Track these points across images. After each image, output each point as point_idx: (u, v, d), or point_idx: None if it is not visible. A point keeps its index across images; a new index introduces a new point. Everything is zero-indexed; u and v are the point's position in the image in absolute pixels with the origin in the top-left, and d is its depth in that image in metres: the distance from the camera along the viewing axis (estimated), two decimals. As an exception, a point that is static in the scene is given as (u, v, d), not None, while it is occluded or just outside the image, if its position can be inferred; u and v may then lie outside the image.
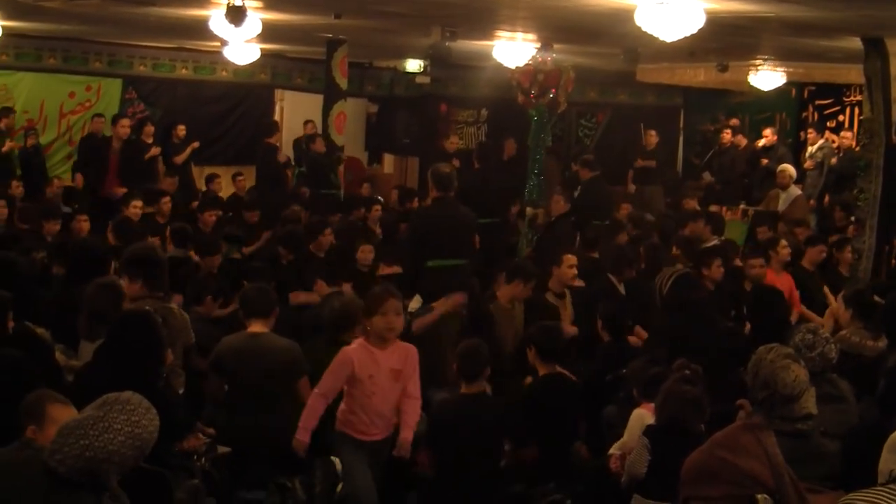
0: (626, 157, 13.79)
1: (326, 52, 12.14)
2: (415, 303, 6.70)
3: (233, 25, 8.00)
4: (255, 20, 8.44)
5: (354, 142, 15.40)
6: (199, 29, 9.89)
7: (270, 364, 5.13)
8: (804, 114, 13.84)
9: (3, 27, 11.16)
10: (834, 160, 11.99)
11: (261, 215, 9.77)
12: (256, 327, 5.23)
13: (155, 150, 12.26)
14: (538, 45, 10.23)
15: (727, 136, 13.31)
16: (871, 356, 5.10)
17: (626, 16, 7.27)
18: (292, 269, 7.47)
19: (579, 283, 7.15)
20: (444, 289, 6.38)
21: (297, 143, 13.37)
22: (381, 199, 11.71)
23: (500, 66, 11.16)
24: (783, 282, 7.36)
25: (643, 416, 4.72)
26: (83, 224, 8.43)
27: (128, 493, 2.91)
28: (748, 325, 6.37)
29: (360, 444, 4.66)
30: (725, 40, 9.50)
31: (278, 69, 14.88)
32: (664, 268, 7.05)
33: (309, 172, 12.24)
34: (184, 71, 14.23)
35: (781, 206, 11.16)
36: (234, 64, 12.61)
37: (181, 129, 12.82)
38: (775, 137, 13.02)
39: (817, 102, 13.62)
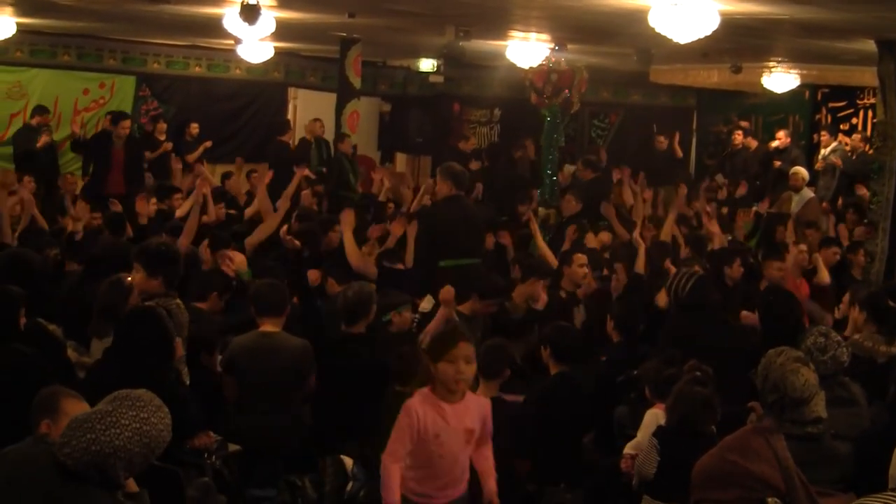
0: (639, 158, 13.76)
1: (340, 51, 12.16)
2: (426, 303, 6.69)
3: (247, 23, 8.03)
4: (268, 18, 8.47)
5: (367, 141, 15.41)
6: (213, 27, 9.92)
7: (282, 363, 5.15)
8: (817, 116, 13.79)
9: (18, 24, 11.22)
10: (839, 162, 11.94)
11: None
12: (268, 326, 5.24)
13: (167, 146, 12.32)
14: (552, 45, 10.23)
15: (738, 137, 13.28)
16: (882, 360, 5.08)
17: (639, 16, 7.26)
18: (308, 265, 7.47)
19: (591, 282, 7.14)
20: (458, 288, 6.36)
21: (304, 142, 13.37)
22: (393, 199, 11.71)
23: (513, 65, 11.16)
24: (800, 286, 7.33)
25: (658, 415, 4.71)
26: (97, 222, 8.47)
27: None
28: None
29: None
30: (739, 42, 9.47)
31: (292, 67, 14.90)
32: (677, 268, 7.05)
33: (331, 171, 12.26)
34: (197, 69, 14.28)
35: (794, 208, 11.13)
36: (247, 62, 12.63)
37: (194, 127, 12.88)
38: (788, 139, 12.99)
39: (831, 105, 13.57)
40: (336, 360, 5.35)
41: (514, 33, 10.43)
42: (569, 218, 9.20)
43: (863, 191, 11.13)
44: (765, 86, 12.25)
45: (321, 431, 5.35)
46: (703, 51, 10.31)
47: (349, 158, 12.18)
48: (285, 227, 7.57)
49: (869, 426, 4.17)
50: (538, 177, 11.31)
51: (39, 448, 2.77)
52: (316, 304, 6.34)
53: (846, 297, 6.51)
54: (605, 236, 8.66)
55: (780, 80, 12.07)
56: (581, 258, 6.99)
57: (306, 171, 10.72)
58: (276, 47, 11.93)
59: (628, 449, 4.71)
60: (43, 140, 11.64)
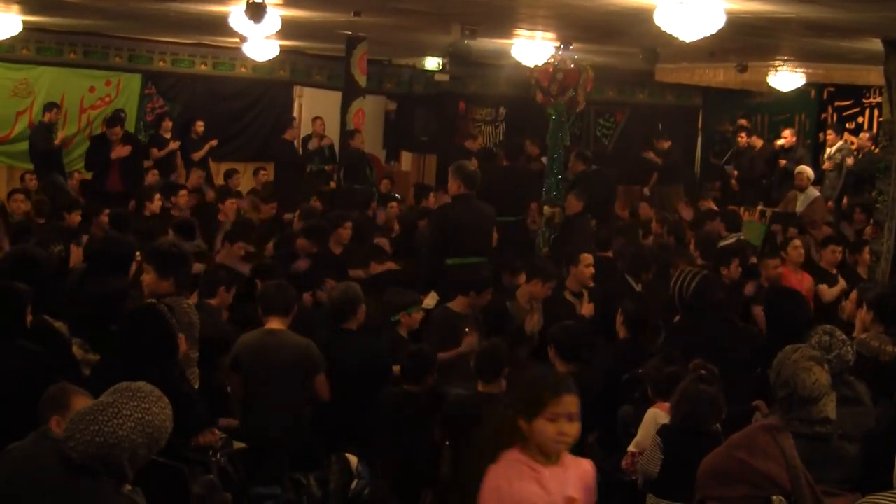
0: (644, 157, 13.75)
1: (346, 50, 12.16)
2: (430, 300, 6.71)
3: (252, 22, 8.03)
4: (274, 17, 8.47)
5: (373, 139, 15.42)
6: (219, 25, 9.93)
7: (286, 361, 5.16)
8: (823, 115, 13.76)
9: (25, 22, 11.24)
10: (850, 160, 11.92)
11: (279, 210, 9.82)
12: (274, 324, 5.25)
13: (174, 144, 12.34)
14: (557, 43, 10.22)
15: (743, 137, 13.27)
16: (888, 360, 5.06)
17: (645, 15, 7.25)
18: (317, 263, 7.51)
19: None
20: (463, 286, 6.37)
21: (307, 141, 13.39)
22: (399, 196, 11.73)
23: (519, 64, 11.16)
24: (802, 281, 7.34)
25: (657, 415, 4.71)
26: (104, 218, 8.49)
27: (145, 488, 2.93)
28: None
29: None
30: (745, 41, 9.46)
31: (297, 66, 14.91)
32: (680, 267, 7.04)
33: (346, 168, 12.28)
34: (203, 67, 14.29)
35: (800, 207, 11.11)
36: (253, 60, 12.65)
37: (199, 125, 12.90)
38: (794, 138, 12.97)
39: (837, 104, 13.54)
40: (330, 356, 5.37)
41: (519, 32, 10.42)
42: (572, 216, 9.20)
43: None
44: (771, 85, 12.22)
45: (324, 429, 5.36)
46: (709, 50, 10.29)
47: (363, 153, 12.21)
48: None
49: (874, 425, 4.16)
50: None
51: (42, 444, 2.78)
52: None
53: (853, 296, 6.50)
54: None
55: (786, 78, 12.04)
56: (587, 258, 6.99)
57: None
58: (281, 46, 11.94)
59: (631, 447, 4.71)
60: (61, 137, 11.72)
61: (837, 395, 3.79)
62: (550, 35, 10.31)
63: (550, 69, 9.89)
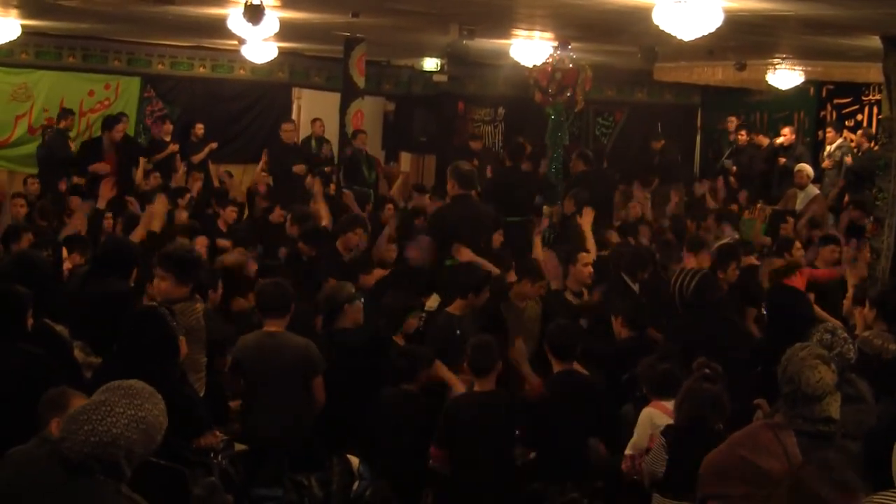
0: (642, 157, 13.75)
1: (344, 51, 12.16)
2: (432, 301, 6.71)
3: (251, 24, 8.04)
4: (272, 19, 8.47)
5: (372, 140, 15.40)
6: (218, 27, 9.93)
7: (286, 362, 5.16)
8: (823, 113, 13.76)
9: (24, 26, 11.24)
10: (849, 159, 11.92)
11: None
12: (272, 325, 5.25)
13: (173, 147, 12.35)
14: (556, 43, 10.22)
15: (743, 135, 13.27)
16: (889, 358, 5.06)
17: (644, 14, 7.25)
18: (315, 265, 7.50)
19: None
20: (462, 287, 6.37)
21: (307, 142, 13.38)
22: (396, 198, 11.71)
23: (517, 64, 11.15)
24: (800, 281, 7.32)
25: (652, 414, 4.72)
26: (108, 221, 8.49)
27: (146, 489, 2.92)
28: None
29: None
30: (744, 39, 9.46)
31: (296, 67, 14.92)
32: (678, 266, 7.04)
33: (345, 169, 12.29)
34: (202, 69, 14.29)
35: (799, 205, 11.11)
36: (251, 62, 12.65)
37: (199, 128, 12.91)
38: (794, 136, 12.96)
39: (836, 101, 13.54)
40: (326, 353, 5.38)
41: (518, 32, 10.42)
42: (570, 216, 9.20)
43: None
44: (769, 83, 12.22)
45: (325, 430, 5.36)
46: (708, 48, 10.29)
47: (363, 153, 12.21)
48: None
49: (876, 423, 4.16)
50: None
51: (43, 448, 2.77)
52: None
53: (850, 295, 6.50)
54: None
55: (785, 76, 12.04)
56: (586, 257, 6.98)
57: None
58: (280, 47, 11.93)
59: (627, 450, 4.71)
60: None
61: (840, 394, 3.79)
62: (549, 35, 10.31)
63: (549, 69, 9.90)
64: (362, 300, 5.92)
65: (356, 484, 4.98)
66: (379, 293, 6.46)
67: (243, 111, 14.66)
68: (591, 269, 6.91)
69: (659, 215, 9.87)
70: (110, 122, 11.75)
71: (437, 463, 4.92)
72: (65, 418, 2.69)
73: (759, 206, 11.97)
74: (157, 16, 10.12)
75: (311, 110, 14.61)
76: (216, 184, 12.28)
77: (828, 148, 12.54)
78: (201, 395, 4.88)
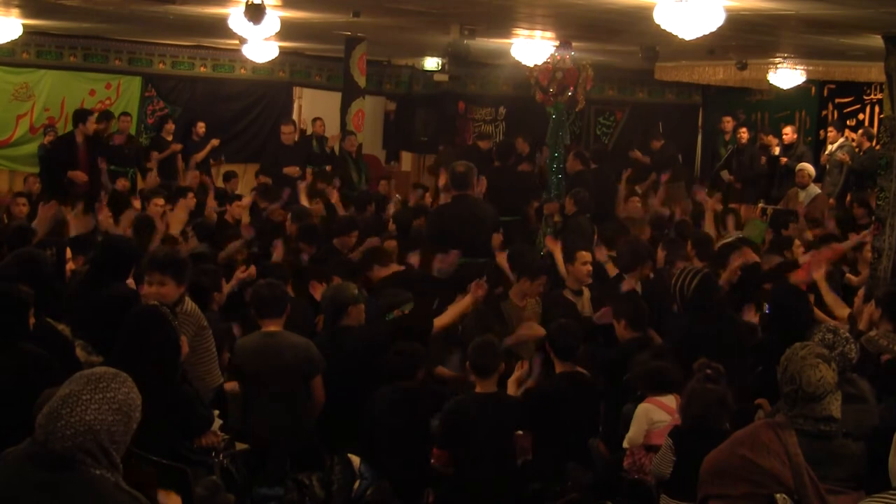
0: (644, 155, 13.73)
1: (345, 50, 12.17)
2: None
3: (252, 23, 8.04)
4: (273, 18, 8.47)
5: (372, 139, 15.43)
6: (219, 27, 9.94)
7: (286, 362, 5.16)
8: (824, 112, 13.75)
9: (25, 25, 11.25)
10: (847, 158, 11.89)
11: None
12: (270, 326, 5.26)
13: (175, 147, 12.35)
14: (557, 43, 10.22)
15: (744, 134, 13.26)
16: (892, 358, 5.05)
17: (645, 13, 7.25)
18: (314, 263, 7.50)
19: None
20: (461, 286, 6.38)
21: (307, 141, 13.37)
22: (399, 197, 11.72)
23: (518, 64, 11.15)
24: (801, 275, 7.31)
25: (648, 409, 4.72)
26: (108, 220, 8.47)
27: (149, 488, 2.92)
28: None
29: None
30: (745, 38, 9.46)
31: (297, 67, 14.92)
32: (680, 265, 7.03)
33: (334, 169, 12.28)
34: (203, 69, 14.30)
35: (801, 204, 11.10)
36: (252, 62, 12.66)
37: (201, 127, 12.91)
38: (795, 136, 12.96)
39: (837, 101, 13.53)
40: (327, 353, 5.37)
41: (518, 31, 10.42)
42: (571, 215, 9.19)
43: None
44: (771, 82, 12.22)
45: (326, 429, 5.36)
46: (709, 47, 10.30)
47: (353, 156, 12.18)
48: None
49: (878, 423, 4.16)
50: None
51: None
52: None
53: (860, 293, 6.49)
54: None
55: (787, 76, 12.04)
56: (585, 256, 6.97)
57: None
58: (281, 47, 11.93)
59: (625, 443, 4.71)
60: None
61: (841, 393, 3.79)
62: (549, 34, 10.32)
63: (550, 68, 9.88)
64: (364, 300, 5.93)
65: (357, 483, 4.98)
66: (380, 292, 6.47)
67: (244, 111, 14.66)
68: (589, 267, 6.91)
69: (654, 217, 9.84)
70: (82, 114, 11.71)
71: (439, 463, 4.92)
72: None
73: (760, 205, 11.98)
74: (159, 15, 10.13)
75: (312, 110, 14.62)
76: (217, 183, 12.27)
77: (829, 147, 12.53)
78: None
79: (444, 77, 15.00)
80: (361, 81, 12.26)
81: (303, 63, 14.94)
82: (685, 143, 15.00)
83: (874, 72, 11.11)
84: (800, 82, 12.27)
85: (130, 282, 5.33)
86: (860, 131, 12.25)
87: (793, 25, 8.51)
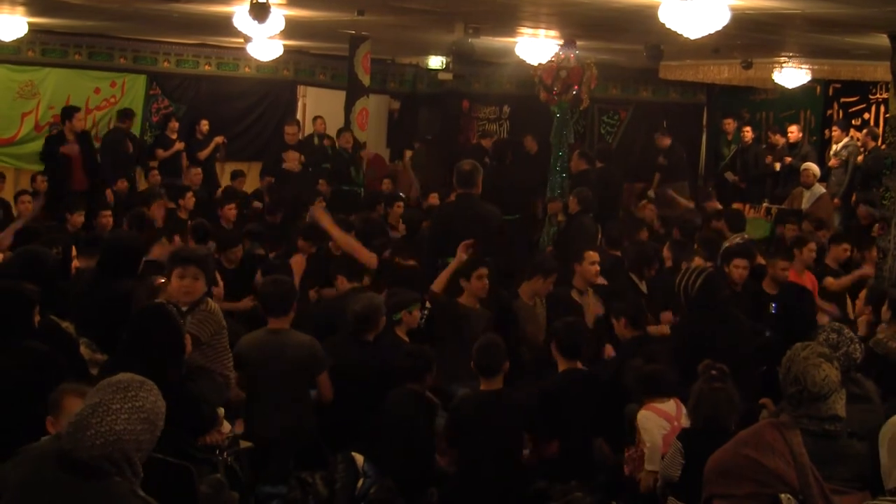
0: (649, 155, 13.72)
1: (349, 49, 12.16)
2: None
3: (256, 22, 8.04)
4: (278, 17, 8.47)
5: (377, 138, 15.42)
6: (223, 25, 9.95)
7: (290, 360, 5.16)
8: (829, 112, 13.72)
9: (30, 23, 11.26)
10: (860, 158, 11.88)
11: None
12: (276, 323, 5.26)
13: (179, 145, 12.36)
14: (561, 41, 10.21)
15: (748, 133, 13.25)
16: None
17: (649, 12, 7.24)
18: (314, 263, 7.50)
19: (601, 280, 7.14)
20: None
21: (309, 140, 13.38)
22: (403, 196, 11.72)
23: (522, 62, 11.14)
24: (806, 282, 7.31)
25: (647, 416, 4.69)
26: (108, 219, 8.49)
27: (152, 486, 2.93)
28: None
29: None
30: (750, 37, 9.44)
31: (301, 65, 14.91)
32: (685, 265, 7.03)
33: (332, 168, 12.28)
34: (207, 67, 14.30)
35: (805, 204, 11.08)
36: (257, 60, 12.66)
37: (205, 125, 12.92)
38: (800, 135, 12.93)
39: (843, 100, 13.49)
40: (346, 361, 5.37)
41: (523, 30, 10.41)
42: (574, 214, 9.19)
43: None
44: (776, 81, 12.20)
45: (331, 429, 5.36)
46: (714, 46, 10.28)
47: (348, 153, 12.14)
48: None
49: (883, 423, 4.15)
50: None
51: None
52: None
53: (862, 294, 6.48)
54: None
55: (792, 75, 12.02)
56: (592, 255, 6.98)
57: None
58: (285, 45, 11.93)
59: (648, 465, 4.65)
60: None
61: (845, 392, 3.78)
62: (554, 33, 10.31)
63: (554, 67, 9.89)
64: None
65: (361, 482, 4.98)
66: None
67: (248, 109, 14.65)
68: (597, 267, 6.91)
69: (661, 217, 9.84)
70: (69, 111, 11.71)
71: (444, 462, 4.92)
72: (66, 426, 2.68)
73: (764, 205, 11.96)
74: (163, 14, 10.14)
75: (317, 108, 14.62)
76: (225, 182, 12.31)
77: (834, 147, 12.50)
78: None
79: (448, 76, 14.99)
80: (366, 80, 12.26)
81: (307, 61, 14.93)
82: (689, 143, 14.98)
83: (880, 71, 11.08)
84: (805, 81, 12.25)
85: (159, 279, 5.31)
86: (865, 131, 12.22)
87: (798, 24, 8.49)
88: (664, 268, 7.47)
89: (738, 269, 6.93)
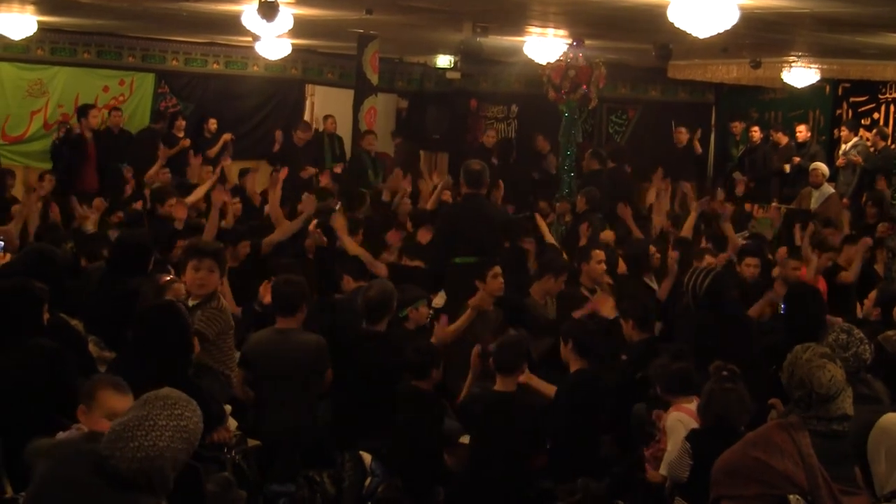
0: (657, 154, 13.69)
1: (358, 48, 12.16)
2: (439, 299, 6.72)
3: (265, 21, 8.05)
4: (286, 15, 8.48)
5: (384, 137, 15.41)
6: (232, 24, 9.96)
7: (297, 359, 5.17)
8: (838, 111, 13.67)
9: (39, 22, 11.29)
10: (860, 159, 11.82)
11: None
12: (284, 322, 5.26)
13: (185, 143, 12.38)
14: (569, 40, 10.20)
15: (756, 133, 13.22)
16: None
17: (658, 11, 7.23)
18: (322, 261, 7.50)
19: (607, 279, 7.13)
20: (470, 285, 6.37)
21: (318, 136, 13.39)
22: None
23: (531, 61, 11.13)
24: (816, 282, 7.29)
25: (680, 418, 4.67)
26: (117, 217, 8.50)
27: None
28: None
29: None
30: (759, 36, 9.42)
31: (309, 64, 14.92)
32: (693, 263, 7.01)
33: (350, 168, 12.29)
34: (216, 66, 14.32)
35: (814, 204, 11.05)
36: (265, 59, 12.68)
37: (213, 123, 12.93)
38: (809, 134, 12.89)
39: (852, 99, 13.44)
40: (358, 356, 5.37)
41: (531, 29, 10.40)
42: (582, 214, 9.19)
43: (882, 185, 11.04)
44: (785, 81, 12.16)
45: (340, 427, 5.36)
46: (723, 46, 10.26)
47: (370, 155, 12.20)
48: (314, 222, 7.65)
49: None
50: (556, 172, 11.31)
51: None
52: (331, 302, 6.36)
53: (872, 295, 6.46)
54: (609, 234, 8.59)
55: (801, 74, 11.98)
56: (599, 254, 6.98)
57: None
58: (293, 44, 11.94)
59: (663, 470, 4.63)
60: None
61: (855, 393, 3.77)
62: (562, 32, 10.30)
63: (562, 66, 9.88)
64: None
65: (368, 480, 4.98)
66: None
67: (257, 108, 14.67)
68: (604, 266, 6.91)
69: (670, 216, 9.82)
70: (84, 109, 11.73)
71: (451, 461, 4.92)
72: (108, 434, 2.66)
73: (773, 204, 11.93)
74: (172, 12, 10.16)
75: (325, 107, 14.63)
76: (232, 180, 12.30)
77: (843, 147, 12.47)
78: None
79: (456, 75, 14.99)
80: (374, 79, 12.26)
81: (315, 60, 14.94)
82: (698, 140, 14.93)
83: (889, 70, 11.06)
84: (814, 81, 12.21)
85: (164, 277, 5.32)
86: (874, 131, 12.17)
87: (807, 24, 8.47)
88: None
89: (750, 267, 6.92)
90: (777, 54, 11.41)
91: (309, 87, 15.26)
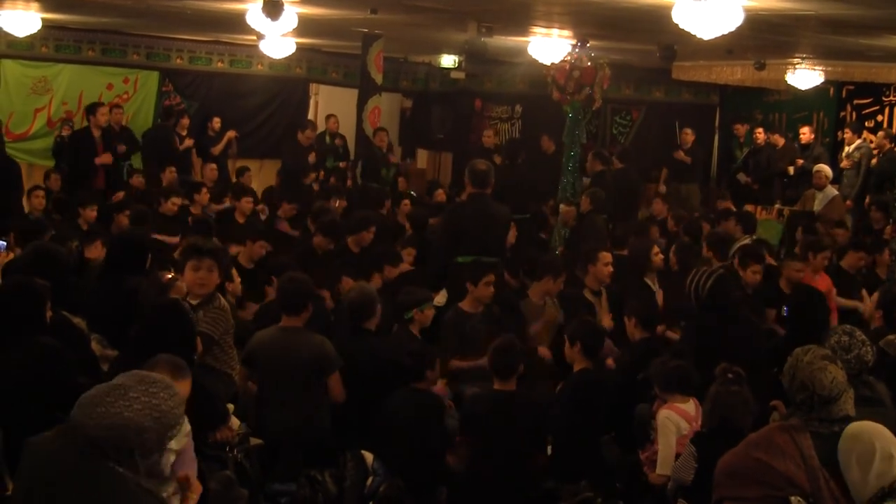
0: (661, 155, 13.69)
1: (362, 47, 12.16)
2: (440, 297, 6.72)
3: (269, 19, 8.06)
4: (291, 14, 8.49)
5: (389, 136, 15.42)
6: (236, 23, 9.97)
7: (301, 359, 5.16)
8: (842, 113, 13.66)
9: (44, 20, 11.31)
10: (874, 161, 11.83)
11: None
12: (289, 321, 5.26)
13: (188, 142, 12.39)
14: (574, 41, 10.19)
15: (760, 135, 13.20)
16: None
17: (663, 12, 7.22)
18: (329, 260, 7.51)
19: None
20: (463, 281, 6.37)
21: (321, 138, 13.39)
22: (414, 194, 11.72)
23: (535, 62, 11.13)
24: (821, 283, 7.28)
25: (670, 418, 4.68)
26: (123, 218, 8.51)
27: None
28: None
29: None
30: (763, 38, 9.41)
31: (314, 63, 14.94)
32: (696, 267, 7.01)
33: (364, 167, 12.31)
34: (220, 64, 14.34)
35: (817, 206, 11.03)
36: (270, 58, 12.69)
37: (216, 122, 12.95)
38: (812, 136, 12.88)
39: (856, 102, 13.43)
40: (349, 355, 5.37)
41: (536, 29, 10.40)
42: (586, 214, 9.18)
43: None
44: (789, 82, 12.15)
45: (341, 427, 5.36)
46: (727, 47, 10.25)
47: (382, 151, 12.22)
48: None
49: (894, 426, 4.13)
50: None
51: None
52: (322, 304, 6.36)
53: (874, 297, 6.45)
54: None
55: (805, 76, 11.96)
56: (606, 256, 6.99)
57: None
58: (298, 43, 11.95)
59: (661, 469, 4.63)
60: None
61: (857, 395, 3.77)
62: (567, 32, 10.29)
63: (567, 67, 9.86)
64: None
65: (370, 480, 4.98)
66: (392, 292, 6.47)
67: (261, 107, 14.69)
68: (611, 268, 6.91)
69: (676, 217, 9.83)
70: (92, 107, 11.76)
71: (453, 461, 4.93)
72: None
73: (776, 206, 11.92)
74: (177, 10, 10.16)
75: (329, 106, 14.64)
76: (233, 178, 12.32)
77: (847, 148, 12.45)
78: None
79: (460, 74, 14.99)
80: (378, 78, 12.25)
81: (320, 59, 14.96)
82: (701, 144, 14.93)
83: (894, 73, 11.05)
84: (818, 83, 12.19)
85: (166, 275, 5.33)
86: (881, 133, 12.15)
87: (812, 26, 8.45)
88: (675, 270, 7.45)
89: (754, 274, 6.91)
90: (781, 56, 11.39)
91: (313, 87, 15.28)
